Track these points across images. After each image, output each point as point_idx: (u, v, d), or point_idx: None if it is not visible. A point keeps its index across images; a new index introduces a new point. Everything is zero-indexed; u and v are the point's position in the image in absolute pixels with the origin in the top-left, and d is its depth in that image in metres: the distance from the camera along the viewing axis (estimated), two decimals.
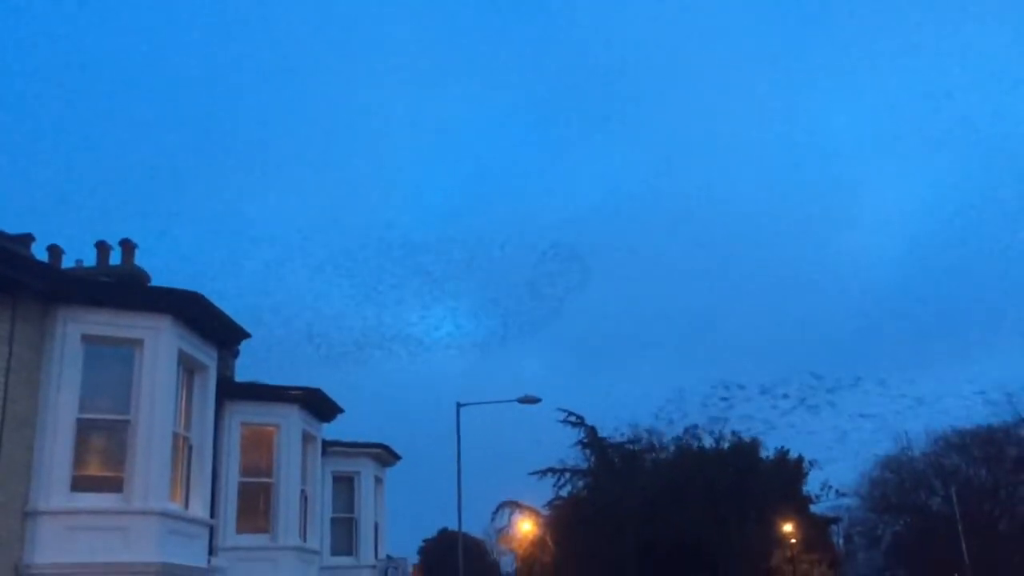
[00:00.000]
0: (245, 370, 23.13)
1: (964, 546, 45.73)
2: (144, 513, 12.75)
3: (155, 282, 19.49)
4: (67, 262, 20.11)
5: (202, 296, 13.67)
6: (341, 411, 20.36)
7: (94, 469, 13.01)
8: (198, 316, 13.96)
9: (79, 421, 12.73)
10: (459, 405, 28.56)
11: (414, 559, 78.79)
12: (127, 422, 13.04)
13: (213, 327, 14.57)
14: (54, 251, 20.00)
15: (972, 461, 58.38)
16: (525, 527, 56.89)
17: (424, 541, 77.87)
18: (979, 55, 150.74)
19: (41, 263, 13.02)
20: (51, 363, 12.61)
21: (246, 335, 15.79)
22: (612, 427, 54.97)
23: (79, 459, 12.74)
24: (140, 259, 20.71)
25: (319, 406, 19.48)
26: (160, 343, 13.36)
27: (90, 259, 20.60)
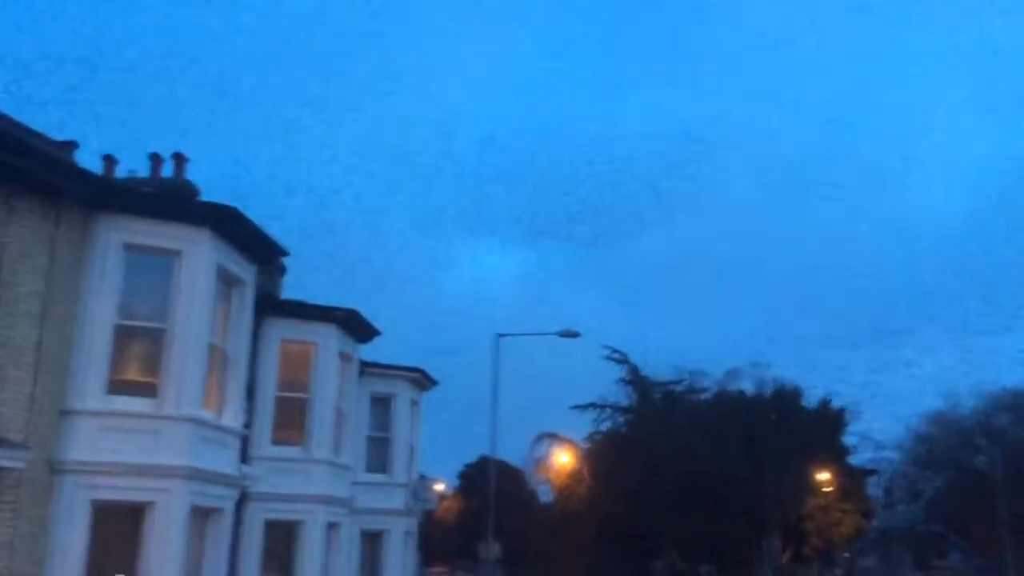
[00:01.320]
0: (292, 288, 23.57)
1: (1006, 505, 45.20)
2: (176, 418, 13.15)
3: (205, 196, 19.84)
4: (120, 172, 20.53)
5: (240, 211, 13.84)
6: (378, 333, 20.65)
7: (130, 374, 13.41)
8: (236, 231, 14.16)
9: (117, 327, 13.09)
10: (499, 335, 28.79)
11: (455, 483, 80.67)
12: (164, 330, 13.38)
13: (251, 243, 14.78)
14: (108, 160, 20.40)
15: (1021, 421, 57.29)
16: (563, 459, 57.57)
17: (465, 466, 79.46)
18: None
19: (84, 170, 13.24)
20: (92, 268, 12.94)
21: (285, 253, 16.02)
22: (656, 367, 54.88)
23: (116, 363, 13.13)
24: (194, 174, 21.07)
25: (357, 327, 19.77)
26: (198, 255, 13.60)
27: (144, 170, 21.03)
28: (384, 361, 23.45)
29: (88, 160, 20.00)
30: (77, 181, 12.50)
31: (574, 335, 28.66)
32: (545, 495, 70.70)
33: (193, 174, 21.02)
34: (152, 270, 13.57)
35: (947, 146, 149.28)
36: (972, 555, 55.98)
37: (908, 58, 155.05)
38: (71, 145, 14.78)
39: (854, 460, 53.52)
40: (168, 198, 14.60)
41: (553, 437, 59.71)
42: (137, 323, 13.41)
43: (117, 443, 12.73)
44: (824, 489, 47.52)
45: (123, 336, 13.25)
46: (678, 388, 54.14)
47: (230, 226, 13.97)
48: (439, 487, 63.31)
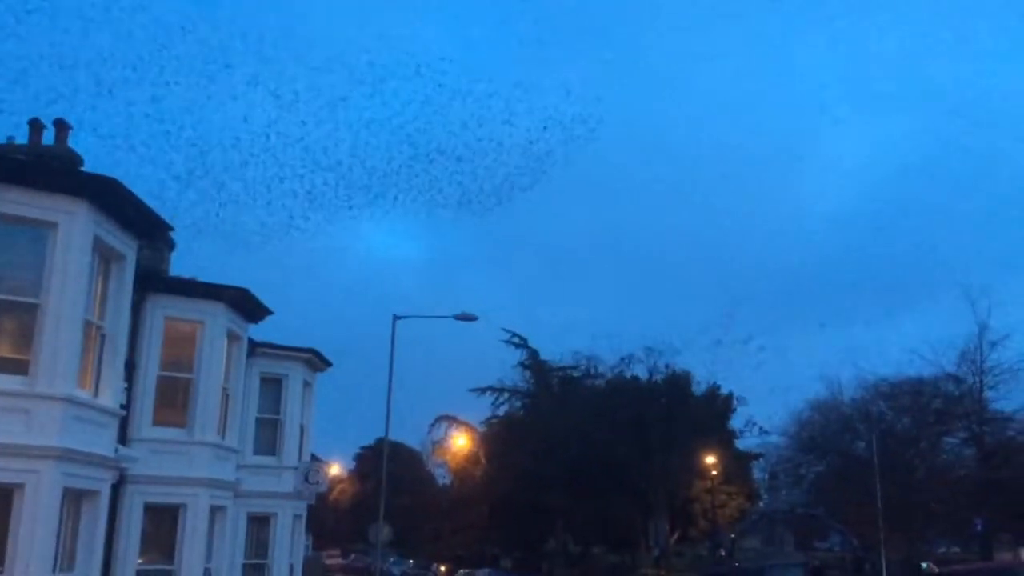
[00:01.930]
0: (183, 265, 22.91)
1: (879, 488, 47.38)
2: (48, 397, 12.61)
3: (90, 167, 19.07)
4: None
5: (120, 183, 13.32)
6: (270, 313, 20.24)
7: (0, 350, 12.81)
8: (116, 203, 13.63)
9: None
10: (396, 317, 28.59)
11: (351, 465, 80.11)
12: (37, 305, 12.80)
13: (133, 217, 14.25)
14: None
15: (898, 410, 60.11)
16: (460, 442, 57.87)
17: (361, 448, 79.01)
18: (949, 23, 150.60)
19: None
20: None
21: (168, 227, 15.51)
22: (554, 351, 55.65)
23: None
24: (80, 143, 20.21)
25: (247, 306, 19.33)
26: (74, 227, 13.04)
27: (23, 136, 20.06)
28: (280, 342, 23.04)
29: None
30: None
31: (471, 318, 28.68)
32: (443, 478, 70.96)
33: (83, 143, 20.22)
34: (25, 241, 12.96)
35: (835, 142, 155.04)
36: (848, 537, 58.52)
37: (801, 55, 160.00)
38: None
39: (740, 445, 55.38)
40: (43, 166, 13.94)
41: (451, 420, 60.01)
42: (8, 297, 12.78)
43: None
44: (711, 473, 48.98)
45: None
46: (575, 373, 55.02)
47: (110, 198, 13.44)
48: (334, 470, 62.84)
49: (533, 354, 55.87)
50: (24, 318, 12.83)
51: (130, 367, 16.61)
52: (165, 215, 15.19)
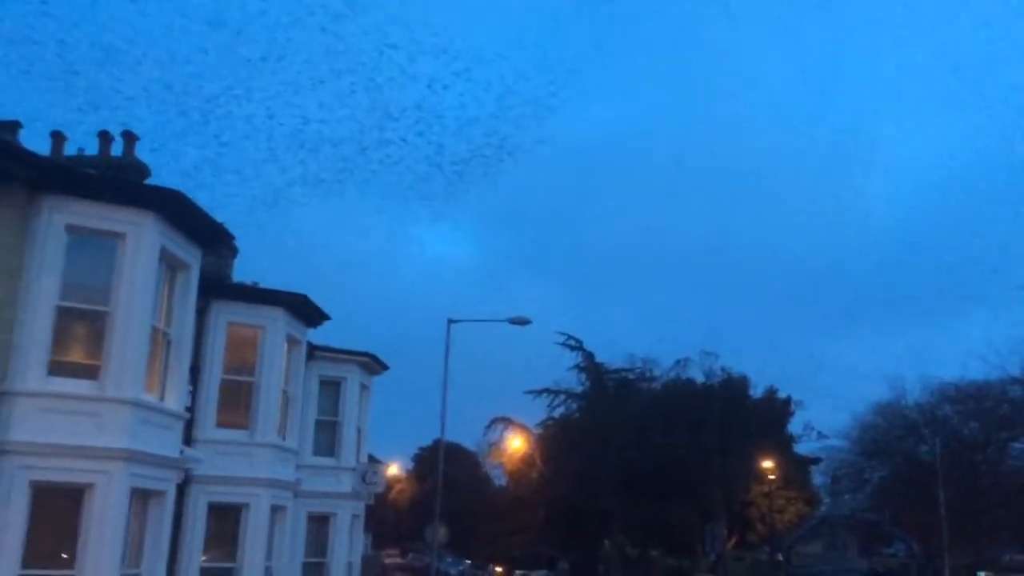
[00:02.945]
0: (245, 271, 23.55)
1: (942, 494, 46.45)
2: (117, 401, 13.19)
3: (156, 175, 19.76)
4: (69, 150, 20.34)
5: (185, 195, 13.86)
6: (328, 318, 20.75)
7: (72, 356, 13.40)
8: (181, 215, 14.18)
9: (59, 308, 13.08)
10: (450, 321, 28.99)
11: (409, 465, 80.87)
12: (106, 313, 13.39)
13: (197, 227, 14.80)
14: (57, 138, 20.18)
15: (964, 414, 58.78)
16: (516, 443, 58.09)
17: (419, 449, 79.73)
18: (1012, 22, 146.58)
19: (26, 151, 13.17)
20: (34, 250, 12.92)
21: (231, 237, 16.08)
22: (609, 354, 55.60)
23: (58, 345, 13.12)
24: (147, 154, 20.95)
25: (305, 311, 19.85)
26: (142, 238, 13.61)
27: (93, 148, 20.83)
28: (337, 345, 23.57)
29: (36, 137, 19.90)
30: (19, 162, 12.47)
31: (525, 322, 28.94)
32: (499, 479, 71.30)
33: (151, 154, 20.96)
34: (95, 252, 13.56)
35: (894, 144, 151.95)
36: (909, 542, 57.41)
37: (857, 56, 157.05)
38: (14, 125, 14.68)
39: (799, 449, 54.71)
40: (112, 180, 14.54)
41: (507, 422, 60.20)
42: (80, 305, 13.40)
43: (57, 424, 12.73)
44: (769, 477, 48.50)
45: (65, 318, 13.25)
46: (631, 376, 54.89)
47: (175, 209, 13.99)
48: (392, 470, 63.58)
49: (589, 356, 55.83)
50: (95, 325, 13.43)
51: (195, 371, 17.20)
52: (227, 219, 15.77)
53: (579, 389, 56.04)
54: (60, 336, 13.17)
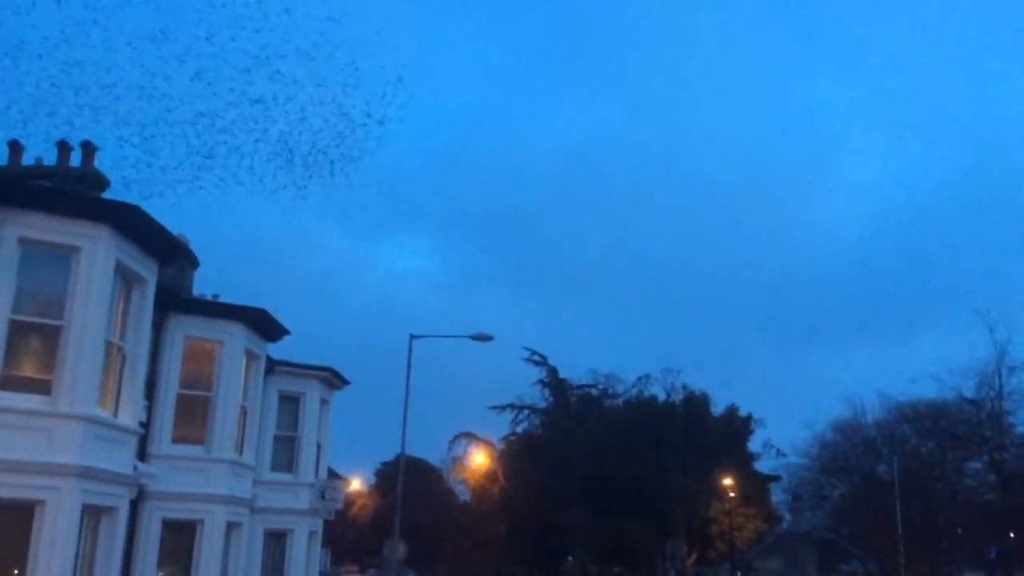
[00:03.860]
0: (205, 283, 23.38)
1: (900, 511, 47.05)
2: (70, 416, 13.04)
3: (113, 187, 19.61)
4: (27, 159, 20.11)
5: (141, 209, 13.78)
6: (287, 333, 20.66)
7: (24, 370, 13.24)
8: (137, 228, 14.08)
9: (11, 322, 12.93)
10: (412, 337, 28.96)
11: (372, 480, 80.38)
12: (60, 327, 13.25)
13: (153, 240, 14.69)
14: (14, 147, 19.97)
15: (922, 433, 59.61)
16: (479, 459, 58.03)
17: (381, 464, 79.32)
18: (962, 50, 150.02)
19: None
20: None
21: (187, 251, 15.95)
22: (573, 370, 55.82)
23: (10, 359, 12.97)
24: (108, 164, 20.78)
25: (265, 326, 19.75)
26: (97, 252, 13.50)
27: (52, 158, 20.61)
28: (298, 360, 23.45)
29: None
30: None
31: (487, 338, 28.97)
32: (462, 495, 71.10)
33: (109, 165, 20.76)
34: (50, 265, 13.44)
35: (852, 165, 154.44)
36: (866, 561, 58.04)
37: (819, 78, 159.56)
38: None
39: (759, 467, 55.23)
40: (66, 193, 14.41)
41: (471, 437, 60.15)
42: (33, 319, 13.26)
43: (9, 440, 12.55)
44: (729, 494, 48.86)
45: (18, 331, 13.09)
46: (594, 392, 55.14)
47: (131, 223, 13.89)
48: (354, 485, 63.17)
49: (552, 372, 56.02)
50: (48, 339, 13.30)
51: (151, 385, 17.04)
52: (189, 230, 15.68)
53: (543, 404, 56.19)
54: (12, 350, 13.02)
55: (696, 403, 51.14)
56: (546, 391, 56.01)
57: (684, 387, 51.72)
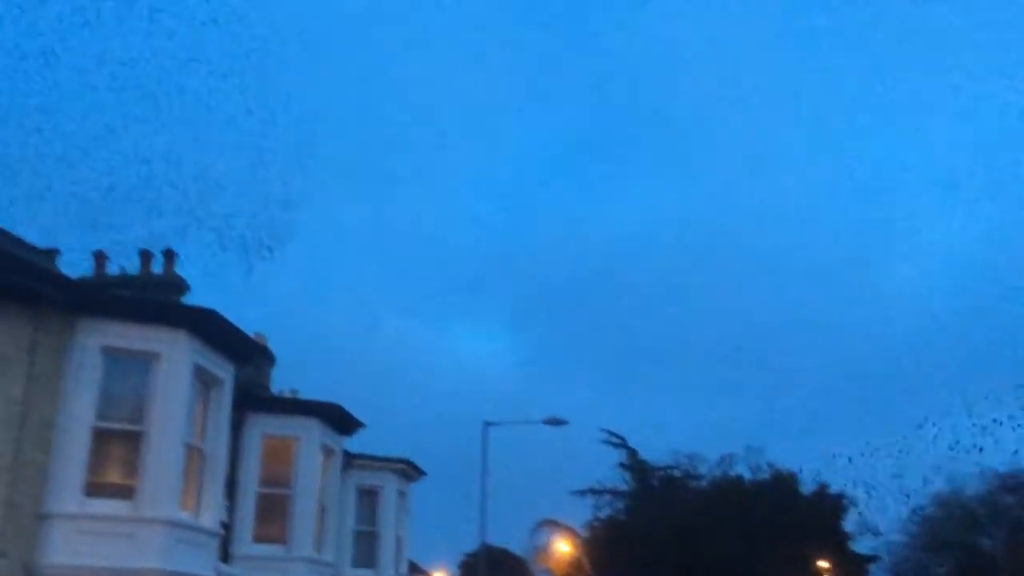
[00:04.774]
0: (285, 376, 23.77)
1: None
2: (153, 521, 13.21)
3: (194, 291, 20.21)
4: (112, 269, 20.98)
5: (217, 313, 14.14)
6: (362, 426, 20.78)
7: (108, 476, 13.52)
8: (213, 332, 14.44)
9: (95, 429, 13.26)
10: (486, 424, 28.83)
11: (455, 572, 79.26)
12: (141, 432, 13.55)
13: (229, 343, 15.03)
14: (99, 258, 20.85)
15: None
16: (562, 547, 56.81)
17: (465, 555, 78.30)
18: None
19: (62, 276, 13.63)
20: (70, 372, 13.16)
21: (262, 350, 16.27)
22: (653, 450, 54.69)
23: (94, 466, 13.24)
24: (185, 269, 21.51)
25: (339, 420, 19.91)
26: (176, 357, 13.85)
27: (135, 267, 21.44)
28: (373, 451, 23.50)
29: (79, 259, 20.53)
30: (55, 287, 12.86)
31: (561, 423, 28.71)
32: None
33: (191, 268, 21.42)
34: (130, 372, 13.80)
35: (927, 225, 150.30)
36: None
37: (887, 141, 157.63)
38: (54, 252, 15.25)
39: (856, 547, 52.84)
40: (145, 301, 14.91)
41: (553, 524, 59.02)
42: (115, 425, 13.57)
43: (94, 546, 12.75)
44: None
45: (101, 438, 13.40)
46: (676, 473, 53.85)
47: (207, 327, 14.26)
48: None
49: (633, 454, 54.95)
50: (130, 445, 13.59)
51: (231, 485, 17.22)
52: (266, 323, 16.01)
53: (624, 488, 55.03)
54: (97, 456, 13.31)
55: (783, 482, 49.47)
56: (627, 474, 54.91)
57: (770, 465, 50.20)
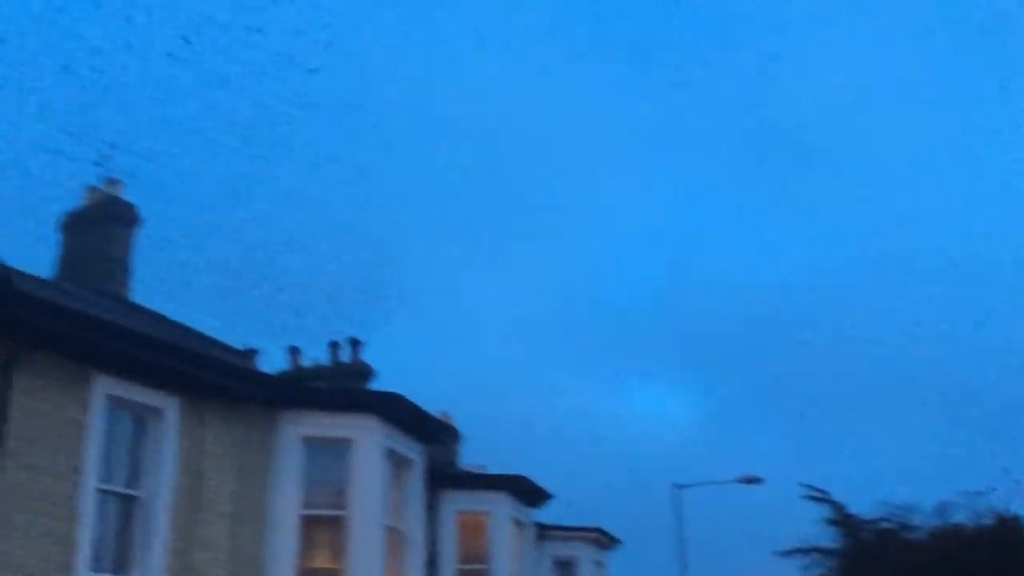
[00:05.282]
0: (474, 452, 24.34)
1: None
2: None
3: (380, 374, 21.20)
4: (305, 361, 22.40)
5: (404, 397, 14.79)
6: (550, 497, 20.89)
7: (316, 561, 14.23)
8: (401, 415, 15.08)
9: (302, 517, 14.06)
10: (676, 486, 28.31)
11: None
12: (343, 516, 14.25)
13: (416, 424, 15.64)
14: (293, 352, 22.34)
15: None
16: None
17: None
18: None
19: (263, 374, 14.67)
20: (276, 464, 14.06)
21: (448, 429, 16.79)
22: (859, 503, 51.62)
23: (303, 552, 14.00)
24: (368, 353, 22.68)
25: (527, 492, 20.14)
26: (368, 442, 14.55)
27: (326, 357, 22.81)
28: (564, 520, 23.54)
29: (276, 353, 22.07)
30: (258, 385, 13.85)
31: (756, 481, 27.84)
32: None
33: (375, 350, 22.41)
34: (329, 459, 14.58)
35: None
36: None
37: None
38: (252, 352, 16.48)
39: None
40: (338, 391, 15.83)
41: None
42: (319, 511, 14.33)
43: None
44: None
45: (308, 525, 14.16)
46: (888, 526, 50.61)
47: (396, 411, 14.92)
48: None
49: (838, 508, 52.04)
50: (334, 530, 14.28)
51: (430, 563, 17.69)
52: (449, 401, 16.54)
53: (833, 546, 52.13)
54: (305, 543, 14.06)
55: (1009, 528, 45.46)
56: (835, 530, 52.05)
57: (991, 511, 46.32)
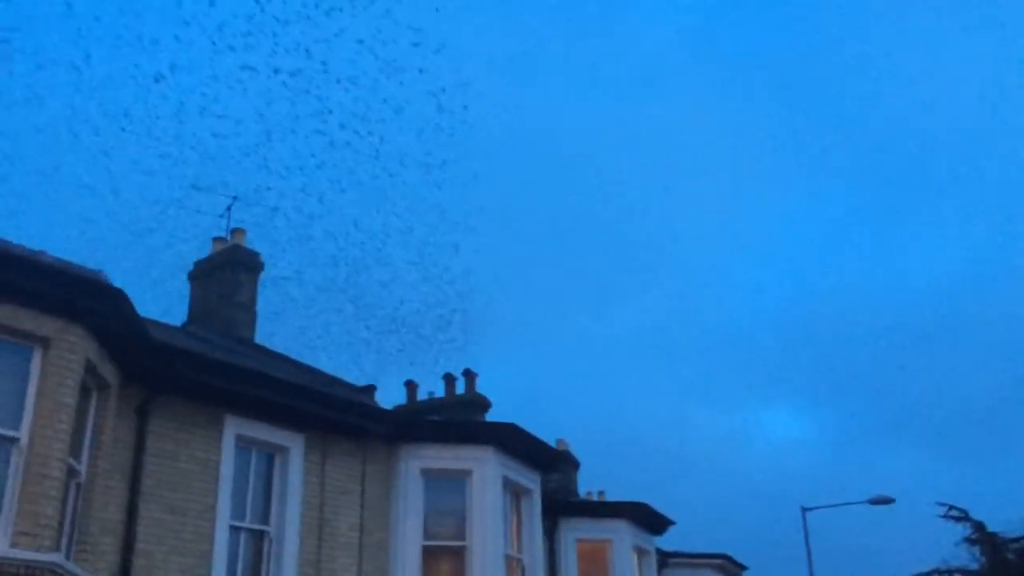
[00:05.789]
0: (594, 479, 24.28)
1: None
2: None
3: (495, 404, 21.45)
4: (421, 394, 22.86)
5: (518, 427, 14.96)
6: (671, 523, 20.64)
7: None
8: (517, 445, 15.25)
9: (424, 548, 14.34)
10: (804, 509, 27.50)
11: None
12: (464, 547, 14.46)
13: (532, 453, 15.78)
14: (410, 386, 22.83)
15: None
16: None
17: None
18: None
19: (383, 410, 15.05)
20: (397, 496, 14.42)
21: (564, 456, 16.85)
22: (1000, 522, 48.95)
23: None
24: (482, 384, 23.00)
25: (648, 519, 19.95)
26: (486, 472, 14.75)
27: (441, 390, 23.24)
28: (687, 548, 23.20)
29: (393, 388, 22.60)
30: (377, 421, 14.25)
31: (887, 501, 26.76)
32: None
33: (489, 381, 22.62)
34: (448, 490, 14.85)
35: None
36: None
37: None
38: (371, 389, 16.95)
39: None
40: (454, 424, 16.10)
41: None
42: (440, 543, 14.58)
43: None
44: None
45: (429, 556, 14.43)
46: None
47: (512, 441, 15.10)
48: None
49: (979, 527, 49.49)
50: (455, 560, 14.50)
51: None
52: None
53: (975, 567, 49.54)
54: (427, 574, 14.32)
55: None
56: (975, 549, 49.44)
57: None
